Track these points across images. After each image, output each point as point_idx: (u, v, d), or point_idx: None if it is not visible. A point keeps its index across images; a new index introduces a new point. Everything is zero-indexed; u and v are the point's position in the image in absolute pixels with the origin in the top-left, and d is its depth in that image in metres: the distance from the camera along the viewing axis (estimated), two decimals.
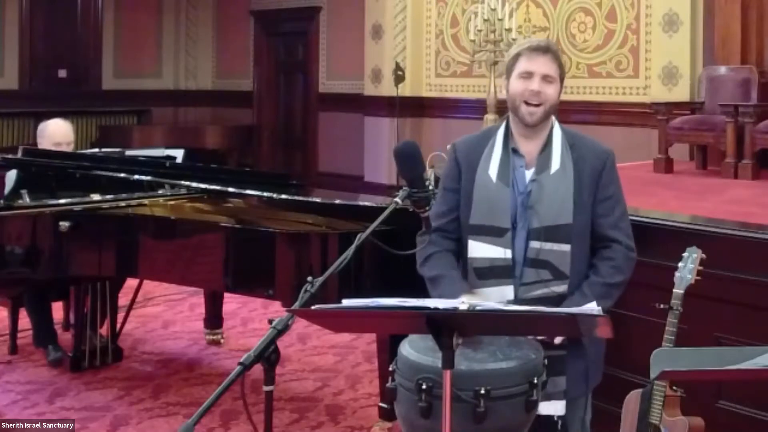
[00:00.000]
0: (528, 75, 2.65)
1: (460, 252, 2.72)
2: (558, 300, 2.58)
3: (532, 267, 2.60)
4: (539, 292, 2.58)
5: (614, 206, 2.70)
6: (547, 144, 2.69)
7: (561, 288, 2.60)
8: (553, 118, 2.75)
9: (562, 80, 2.71)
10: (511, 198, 2.63)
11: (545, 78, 2.64)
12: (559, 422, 2.55)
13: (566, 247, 2.60)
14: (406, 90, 9.14)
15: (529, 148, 2.70)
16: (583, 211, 2.65)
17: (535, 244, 2.60)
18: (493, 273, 2.61)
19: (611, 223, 2.68)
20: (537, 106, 2.63)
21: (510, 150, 2.69)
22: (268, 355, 1.92)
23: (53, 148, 4.72)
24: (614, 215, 2.69)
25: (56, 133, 4.79)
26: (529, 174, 2.67)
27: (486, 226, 2.61)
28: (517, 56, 2.69)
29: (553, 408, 2.50)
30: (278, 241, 3.69)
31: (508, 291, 2.59)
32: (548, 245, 2.59)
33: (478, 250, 2.64)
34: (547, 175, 2.64)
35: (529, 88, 2.63)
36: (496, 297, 2.55)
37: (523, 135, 2.71)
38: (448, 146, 2.86)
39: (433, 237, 2.70)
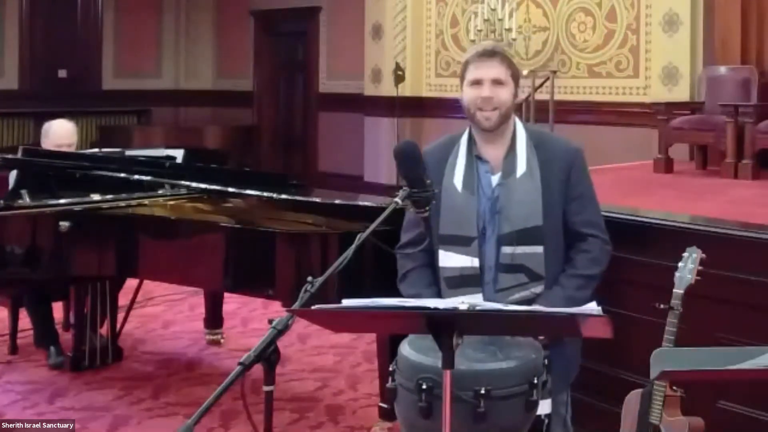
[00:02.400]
0: (478, 82, 2.65)
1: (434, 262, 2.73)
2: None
3: (508, 272, 2.62)
4: (517, 296, 2.60)
5: (586, 204, 2.72)
6: (512, 147, 2.69)
7: (538, 289, 2.63)
8: (516, 119, 2.75)
9: (516, 80, 2.70)
10: (477, 205, 2.64)
11: (495, 82, 2.64)
12: (546, 420, 2.55)
13: (539, 249, 2.62)
14: (406, 90, 9.15)
15: (493, 153, 2.70)
16: (553, 211, 2.66)
17: (507, 250, 2.61)
18: (462, 282, 2.63)
19: (585, 221, 2.70)
20: (492, 110, 2.64)
21: (474, 157, 2.69)
22: (268, 355, 1.92)
23: (56, 149, 4.72)
24: (587, 212, 2.72)
25: (59, 133, 4.79)
26: (495, 179, 2.68)
27: (454, 235, 2.61)
28: (466, 64, 2.70)
29: (540, 408, 2.50)
30: (278, 241, 3.69)
31: (477, 299, 2.58)
32: (521, 249, 2.60)
33: (448, 259, 2.66)
34: (513, 178, 2.65)
35: (481, 96, 2.64)
36: None
37: (485, 140, 2.71)
38: None
39: (408, 251, 2.72)
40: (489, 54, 2.67)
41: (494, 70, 2.65)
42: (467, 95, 2.68)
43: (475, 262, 2.62)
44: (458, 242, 2.62)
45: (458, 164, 2.69)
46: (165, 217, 4.30)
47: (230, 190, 4.53)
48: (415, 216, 2.63)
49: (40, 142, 4.89)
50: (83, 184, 4.53)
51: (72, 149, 4.82)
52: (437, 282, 2.73)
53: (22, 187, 4.39)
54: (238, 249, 3.82)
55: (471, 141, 2.73)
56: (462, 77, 2.72)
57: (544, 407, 2.54)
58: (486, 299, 2.60)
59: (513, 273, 2.61)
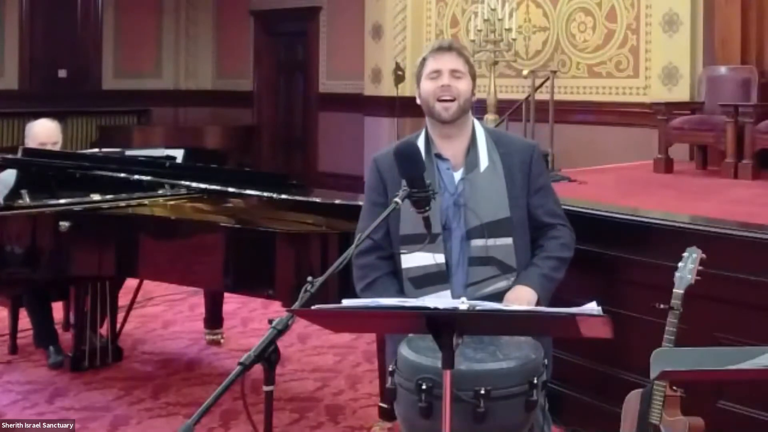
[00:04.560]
0: (436, 73, 2.70)
1: (396, 265, 2.73)
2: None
3: (480, 265, 2.64)
4: (490, 288, 2.63)
5: (548, 195, 2.81)
6: (472, 144, 2.72)
7: (511, 281, 2.67)
8: (474, 118, 2.79)
9: (473, 77, 2.75)
10: (440, 202, 2.65)
11: (453, 73, 2.69)
12: None
13: (509, 241, 2.67)
14: (406, 90, 9.12)
15: (452, 150, 2.73)
16: (518, 203, 2.71)
17: (478, 242, 2.64)
18: (427, 280, 2.64)
19: (549, 211, 2.78)
20: (451, 101, 2.67)
21: (433, 156, 2.71)
22: (268, 355, 1.92)
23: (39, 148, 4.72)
24: (549, 203, 2.80)
25: (41, 133, 4.79)
26: (457, 175, 2.70)
27: (416, 234, 2.55)
28: (423, 61, 2.75)
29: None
30: (278, 241, 3.69)
31: (446, 295, 2.61)
32: (492, 241, 2.64)
33: (411, 259, 2.66)
34: (477, 173, 2.68)
35: (440, 84, 2.68)
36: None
37: (443, 137, 2.73)
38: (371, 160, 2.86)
39: (371, 260, 2.72)
40: (446, 48, 2.73)
41: (452, 61, 2.71)
42: (425, 88, 2.72)
43: (439, 258, 2.64)
44: (420, 240, 2.57)
45: None
46: (165, 217, 4.30)
47: (230, 190, 4.53)
48: (374, 221, 2.63)
49: (24, 143, 4.88)
50: (83, 184, 4.53)
51: (56, 148, 4.82)
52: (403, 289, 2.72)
53: (22, 187, 4.39)
54: (238, 249, 3.82)
55: (428, 141, 2.74)
56: (419, 74, 2.76)
57: None
58: (454, 295, 2.60)
59: (484, 266, 2.64)
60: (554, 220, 2.79)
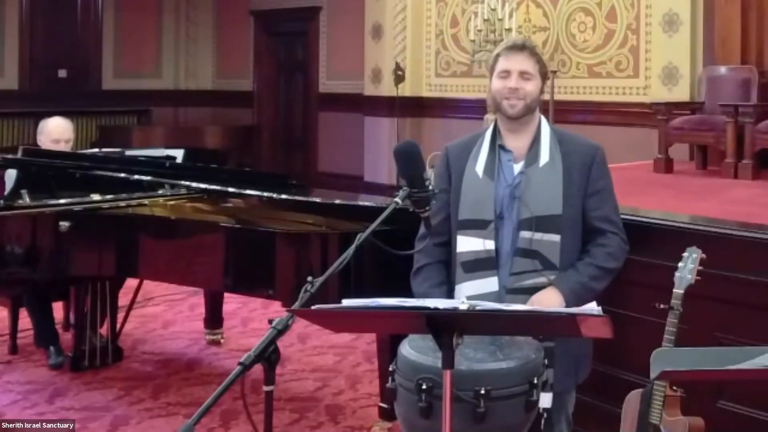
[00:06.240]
0: (506, 73, 2.74)
1: (450, 253, 2.77)
2: None
3: (523, 257, 2.66)
4: (530, 282, 2.64)
5: (605, 199, 2.78)
6: (536, 140, 2.77)
7: (551, 278, 2.66)
8: (541, 115, 2.83)
9: (543, 76, 2.79)
10: (496, 190, 2.70)
11: (522, 75, 2.73)
12: (545, 414, 2.55)
13: (556, 238, 2.66)
14: (406, 90, 9.14)
15: (516, 143, 2.77)
16: (573, 203, 2.71)
17: (526, 234, 2.65)
18: (478, 266, 2.67)
19: (602, 216, 2.75)
20: (517, 100, 2.72)
21: (497, 146, 2.76)
22: (268, 355, 1.92)
23: (51, 145, 4.74)
24: (605, 208, 2.77)
25: (55, 130, 4.82)
26: (517, 167, 2.74)
27: (471, 219, 2.68)
28: (496, 57, 2.80)
29: (539, 401, 2.50)
30: (278, 241, 3.69)
31: (493, 282, 2.64)
32: (539, 235, 2.65)
33: (464, 244, 2.71)
34: (536, 167, 2.71)
35: (508, 86, 2.73)
36: (482, 289, 2.62)
37: (510, 130, 2.78)
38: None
39: (427, 244, 2.72)
40: (519, 47, 2.76)
41: (523, 63, 2.74)
42: (495, 85, 2.77)
43: (488, 245, 2.66)
44: (474, 226, 2.68)
45: (481, 153, 2.77)
46: (165, 217, 4.30)
47: (230, 190, 4.53)
48: (436, 206, 2.66)
49: (37, 140, 4.90)
50: (83, 184, 4.53)
51: (69, 145, 4.84)
52: (449, 280, 2.76)
53: (22, 187, 4.39)
54: (238, 249, 3.82)
55: (495, 133, 2.80)
56: (491, 69, 2.81)
57: (545, 401, 2.54)
58: (501, 284, 2.65)
59: (528, 258, 2.65)
60: (606, 227, 2.75)
